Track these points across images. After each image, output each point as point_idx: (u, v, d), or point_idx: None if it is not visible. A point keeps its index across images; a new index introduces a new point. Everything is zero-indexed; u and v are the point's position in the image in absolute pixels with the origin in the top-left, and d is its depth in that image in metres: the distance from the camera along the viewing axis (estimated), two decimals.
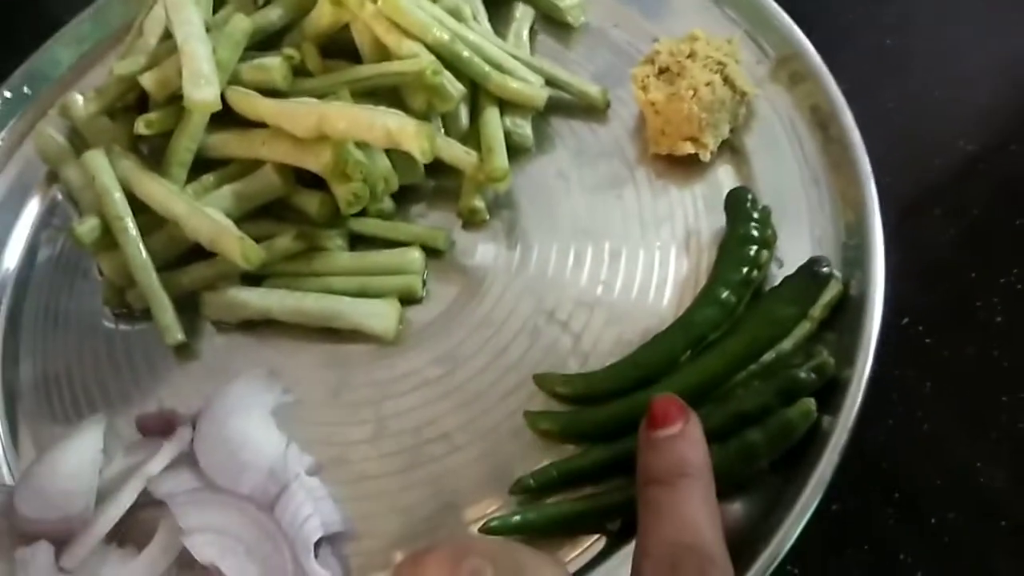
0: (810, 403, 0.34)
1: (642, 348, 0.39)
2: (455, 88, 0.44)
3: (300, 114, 0.41)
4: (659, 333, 0.39)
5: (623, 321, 0.41)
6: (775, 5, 0.47)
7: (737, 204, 0.41)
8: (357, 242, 0.45)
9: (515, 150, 0.46)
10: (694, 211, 0.44)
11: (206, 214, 0.42)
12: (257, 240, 0.42)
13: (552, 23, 0.52)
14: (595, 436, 0.38)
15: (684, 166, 0.45)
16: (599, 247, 0.44)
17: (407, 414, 0.41)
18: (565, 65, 0.50)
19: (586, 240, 0.44)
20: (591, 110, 0.48)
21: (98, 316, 0.46)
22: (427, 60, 0.42)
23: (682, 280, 0.42)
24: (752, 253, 0.40)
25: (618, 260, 0.43)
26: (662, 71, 0.45)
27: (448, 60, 0.44)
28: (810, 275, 0.38)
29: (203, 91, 0.42)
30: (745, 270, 0.39)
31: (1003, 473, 0.36)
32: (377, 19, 0.43)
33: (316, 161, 0.42)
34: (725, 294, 0.39)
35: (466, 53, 0.44)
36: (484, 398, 0.41)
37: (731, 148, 0.45)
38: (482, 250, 0.45)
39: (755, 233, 0.40)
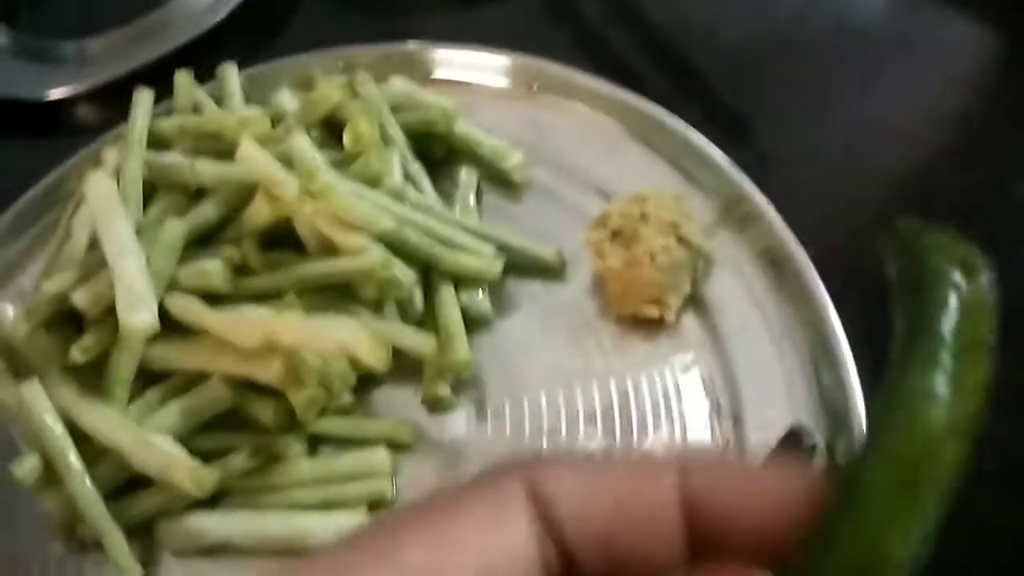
0: None
1: None
2: (406, 276, 0.42)
3: (246, 328, 0.39)
4: None
5: None
6: (716, 150, 0.46)
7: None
8: (317, 441, 0.43)
9: (474, 323, 0.45)
10: (667, 369, 0.43)
11: (153, 444, 0.39)
12: (210, 454, 0.40)
13: (498, 180, 0.51)
14: None
15: (646, 324, 0.44)
16: (573, 413, 0.42)
17: None
18: (515, 222, 0.49)
19: (557, 408, 0.42)
20: (547, 271, 0.47)
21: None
22: (376, 256, 0.41)
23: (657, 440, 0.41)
24: None
25: (594, 424, 0.42)
26: (615, 234, 0.44)
27: (396, 247, 0.43)
28: (792, 451, 0.37)
29: (139, 314, 0.39)
30: None
31: None
32: (319, 215, 0.42)
33: (266, 372, 0.40)
34: None
35: (414, 238, 0.43)
36: None
37: (694, 301, 0.44)
38: (451, 430, 0.43)
39: None
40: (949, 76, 0.52)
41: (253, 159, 0.42)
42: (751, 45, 0.56)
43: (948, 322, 0.15)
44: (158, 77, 0.54)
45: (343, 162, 0.46)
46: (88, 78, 0.63)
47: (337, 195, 0.41)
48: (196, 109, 0.52)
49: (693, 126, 0.48)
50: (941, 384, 0.14)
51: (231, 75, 0.53)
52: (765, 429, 0.39)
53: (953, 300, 0.15)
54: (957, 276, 0.15)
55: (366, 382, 0.44)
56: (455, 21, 0.63)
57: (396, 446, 0.42)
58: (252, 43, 0.64)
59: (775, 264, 0.43)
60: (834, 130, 0.50)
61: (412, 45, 0.56)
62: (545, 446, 0.41)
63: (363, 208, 0.41)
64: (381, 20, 0.65)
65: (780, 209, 0.44)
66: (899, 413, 0.14)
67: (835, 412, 0.38)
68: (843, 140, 0.50)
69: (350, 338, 0.37)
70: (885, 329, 0.42)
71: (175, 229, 0.43)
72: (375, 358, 0.37)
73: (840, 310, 0.40)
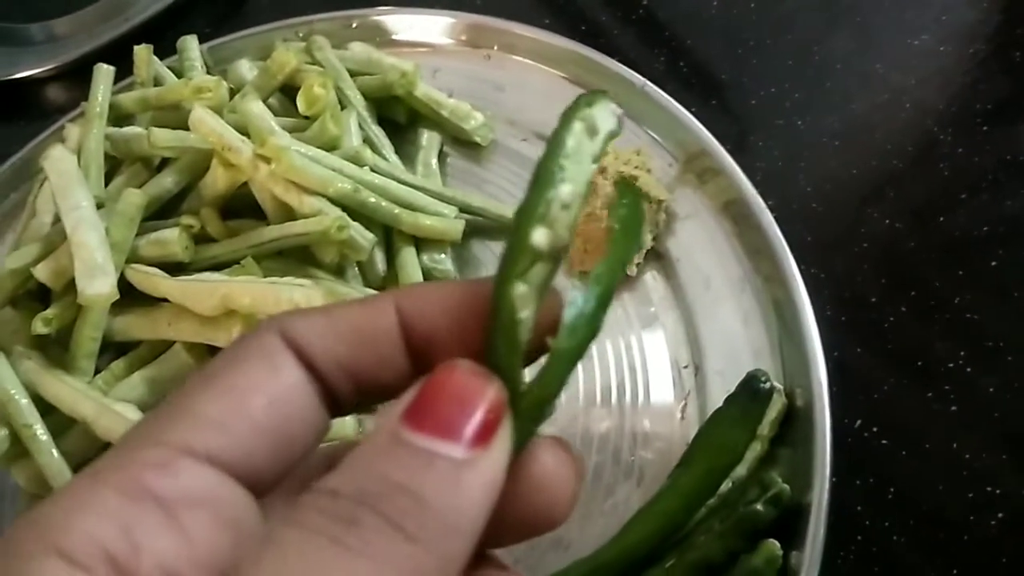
0: (774, 547, 0.32)
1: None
2: (365, 238, 0.42)
3: (203, 293, 0.39)
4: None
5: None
6: (677, 105, 0.46)
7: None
8: None
9: None
10: (627, 323, 0.43)
11: (115, 412, 0.39)
12: None
13: (461, 143, 0.51)
14: None
15: None
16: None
17: None
18: (479, 185, 0.49)
19: None
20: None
21: None
22: (331, 217, 0.41)
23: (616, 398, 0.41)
24: None
25: None
26: None
27: (354, 209, 0.42)
28: (751, 393, 0.36)
29: (97, 284, 0.39)
30: None
31: None
32: (274, 179, 0.41)
33: (226, 337, 0.40)
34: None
35: (372, 199, 0.43)
36: None
37: (656, 254, 0.44)
38: None
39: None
40: (945, 33, 0.50)
41: (205, 124, 0.42)
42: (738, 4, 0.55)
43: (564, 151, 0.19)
44: (124, 54, 0.54)
45: (300, 127, 0.46)
46: (56, 58, 0.63)
47: (290, 158, 0.40)
48: (157, 82, 0.52)
49: (665, 84, 0.47)
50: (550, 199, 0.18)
51: (191, 46, 0.53)
52: (725, 377, 0.39)
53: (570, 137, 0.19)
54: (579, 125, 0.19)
55: None
56: None
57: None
58: (218, 16, 0.64)
59: (736, 217, 0.43)
60: (821, 88, 0.49)
61: (372, 10, 0.55)
62: None
63: (317, 171, 0.41)
64: None
65: (754, 164, 0.44)
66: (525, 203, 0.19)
67: (793, 358, 0.38)
68: (832, 99, 0.49)
69: (304, 297, 0.37)
70: (842, 278, 0.41)
71: (133, 199, 0.43)
72: None
73: (800, 262, 0.40)
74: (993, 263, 0.41)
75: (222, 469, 0.17)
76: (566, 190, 0.19)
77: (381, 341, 0.20)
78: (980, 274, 0.41)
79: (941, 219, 0.43)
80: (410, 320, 0.20)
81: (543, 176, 0.19)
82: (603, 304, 0.19)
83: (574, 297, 0.19)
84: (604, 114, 0.20)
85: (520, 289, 0.18)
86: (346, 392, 0.20)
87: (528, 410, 0.18)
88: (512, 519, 0.18)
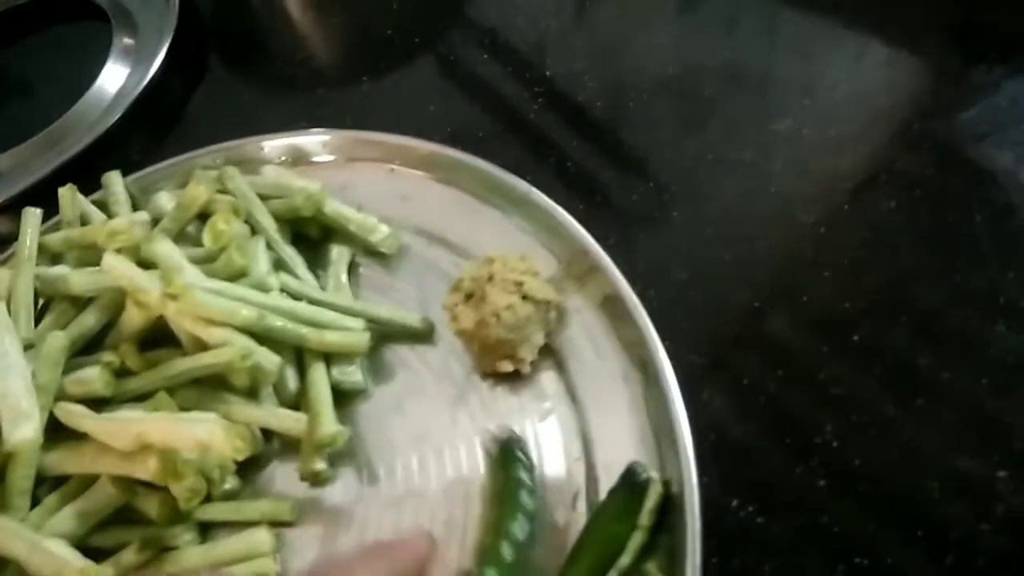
0: None
1: None
2: (271, 362, 0.45)
3: (119, 431, 0.42)
4: None
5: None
6: (557, 208, 0.49)
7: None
8: (211, 526, 0.46)
9: (351, 394, 0.48)
10: (521, 419, 0.45)
11: (45, 550, 0.42)
12: (107, 551, 0.43)
13: (373, 252, 0.54)
14: None
15: (511, 378, 0.47)
16: (442, 472, 0.44)
17: None
18: (389, 291, 0.52)
19: (427, 470, 0.45)
20: (419, 337, 0.50)
21: None
22: (235, 348, 0.44)
23: None
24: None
25: (460, 483, 0.44)
26: (468, 296, 0.47)
27: (262, 335, 0.45)
28: (630, 485, 0.39)
29: (22, 430, 0.42)
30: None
31: None
32: (182, 314, 0.45)
33: (145, 469, 0.42)
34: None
35: (278, 323, 0.46)
36: None
37: (551, 351, 0.47)
38: (331, 500, 0.45)
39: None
40: (806, 117, 0.53)
41: (115, 269, 0.45)
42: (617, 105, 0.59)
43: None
44: (63, 184, 0.57)
45: (211, 257, 0.49)
46: None
47: (195, 295, 0.44)
48: (84, 220, 0.55)
49: (555, 184, 0.51)
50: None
51: (115, 181, 0.57)
52: (611, 468, 0.42)
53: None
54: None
55: (252, 465, 0.47)
56: (341, 103, 0.67)
57: (280, 523, 0.45)
58: (148, 143, 0.68)
59: (614, 312, 0.46)
60: (694, 180, 0.53)
61: (285, 134, 0.59)
62: (418, 508, 0.44)
63: (221, 303, 0.44)
64: (274, 107, 0.69)
65: (635, 256, 0.48)
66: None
67: (668, 447, 0.41)
68: (703, 190, 0.52)
69: (207, 434, 0.40)
70: (718, 362, 0.44)
71: (56, 342, 0.46)
72: (233, 450, 0.40)
73: (679, 349, 0.43)
74: (855, 338, 0.44)
75: None
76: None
77: None
78: (843, 349, 0.44)
79: (805, 298, 0.46)
80: None
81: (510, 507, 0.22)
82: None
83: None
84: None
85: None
86: None
87: None
88: None
